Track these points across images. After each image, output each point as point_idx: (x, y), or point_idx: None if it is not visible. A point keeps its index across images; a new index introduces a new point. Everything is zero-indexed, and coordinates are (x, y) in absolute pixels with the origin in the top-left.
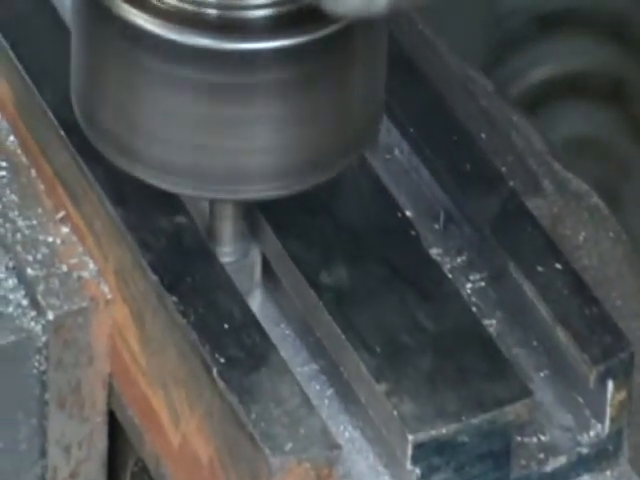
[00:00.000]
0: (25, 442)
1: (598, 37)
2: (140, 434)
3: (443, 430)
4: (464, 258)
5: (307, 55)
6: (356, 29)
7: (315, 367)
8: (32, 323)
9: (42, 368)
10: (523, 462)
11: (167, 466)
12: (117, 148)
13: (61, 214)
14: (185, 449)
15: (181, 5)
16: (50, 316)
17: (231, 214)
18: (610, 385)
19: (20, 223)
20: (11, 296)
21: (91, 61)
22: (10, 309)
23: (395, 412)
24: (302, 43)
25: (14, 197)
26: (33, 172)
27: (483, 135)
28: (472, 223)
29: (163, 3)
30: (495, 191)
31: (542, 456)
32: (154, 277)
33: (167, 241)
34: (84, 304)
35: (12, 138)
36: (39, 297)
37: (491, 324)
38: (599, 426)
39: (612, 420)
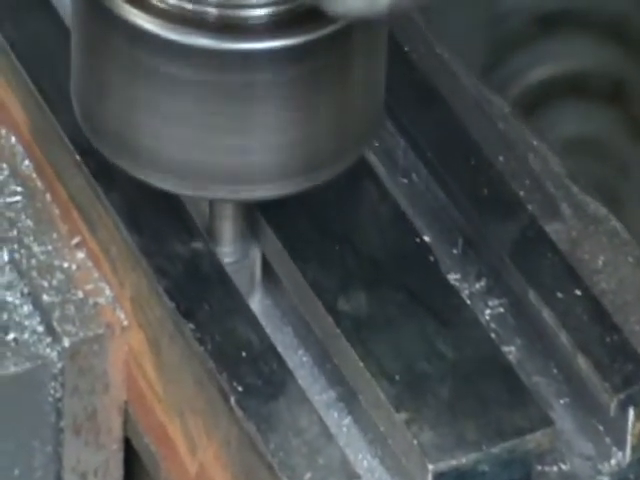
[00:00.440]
0: (41, 469)
1: (598, 37)
2: (156, 462)
3: (463, 459)
4: (483, 284)
5: (307, 55)
6: (356, 29)
7: (333, 395)
8: (48, 350)
9: (58, 395)
10: None
11: None
12: (117, 148)
13: (76, 239)
14: (202, 478)
15: (181, 5)
16: (66, 343)
17: (231, 214)
18: (631, 413)
19: (35, 249)
20: (26, 322)
21: (91, 61)
22: (25, 336)
23: (415, 441)
24: (302, 43)
25: (29, 222)
26: (48, 197)
27: (501, 158)
28: (491, 248)
29: (163, 3)
30: (514, 216)
31: None
32: (170, 304)
33: (183, 267)
34: (100, 331)
35: (27, 162)
36: (55, 323)
37: (510, 351)
38: (620, 454)
39: (633, 448)
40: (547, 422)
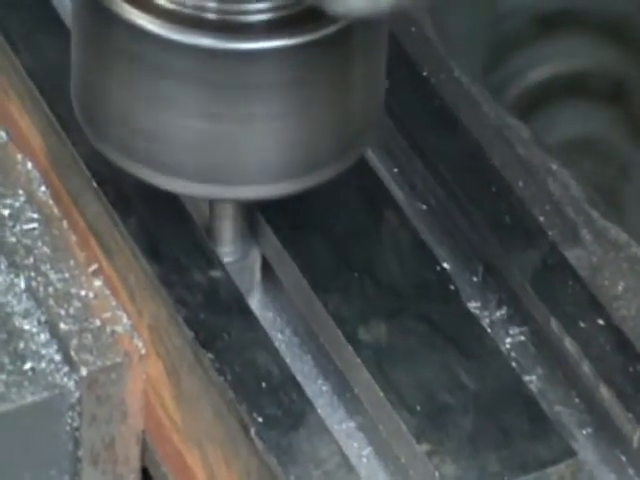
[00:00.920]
0: None
1: (598, 37)
2: None
3: None
4: (503, 312)
5: (307, 55)
6: (356, 29)
7: (353, 425)
8: (65, 379)
9: (75, 424)
10: None
11: None
12: (117, 148)
13: (94, 267)
14: None
15: (181, 5)
16: (83, 372)
17: (231, 214)
18: None
19: (52, 276)
20: (44, 351)
21: (91, 61)
22: (43, 365)
23: (437, 473)
24: (302, 43)
25: (46, 249)
26: (65, 224)
27: (520, 183)
28: (512, 276)
29: (163, 3)
30: (534, 243)
31: None
32: (190, 333)
33: (203, 296)
34: (118, 359)
35: (43, 189)
36: (72, 352)
37: (531, 380)
38: None
39: None
40: (570, 453)
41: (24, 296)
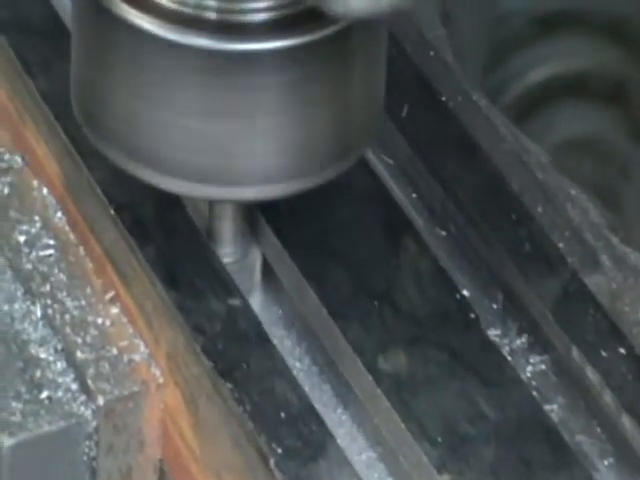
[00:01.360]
0: None
1: (598, 37)
2: None
3: None
4: (524, 340)
5: (307, 55)
6: (356, 30)
7: (373, 455)
8: (82, 408)
9: (92, 454)
10: None
11: None
12: (117, 148)
13: (110, 294)
14: None
15: (181, 6)
16: (100, 401)
17: (231, 214)
18: None
19: (69, 304)
20: (60, 380)
21: (91, 62)
22: (59, 393)
23: None
24: (302, 43)
25: (62, 276)
26: (81, 250)
27: (539, 209)
28: (532, 304)
29: (163, 3)
30: (555, 271)
31: None
32: (208, 362)
33: (221, 324)
34: (135, 388)
35: (59, 215)
36: (89, 381)
37: (552, 409)
38: None
39: None
40: None
41: (40, 324)
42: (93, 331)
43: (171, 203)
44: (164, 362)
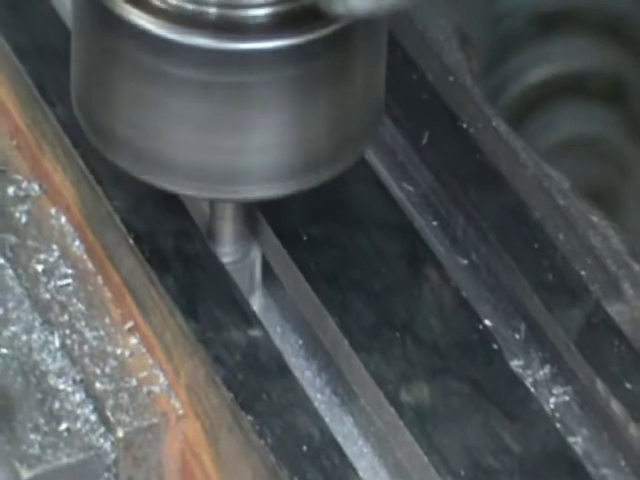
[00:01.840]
0: None
1: (598, 37)
2: None
3: None
4: (547, 370)
5: (307, 55)
6: (356, 29)
7: None
8: (101, 440)
9: None
10: None
11: None
12: (117, 148)
13: (129, 324)
14: None
15: (181, 5)
16: (120, 433)
17: (231, 214)
18: None
19: (87, 334)
20: (79, 411)
21: (91, 62)
22: (78, 425)
23: None
24: (302, 43)
25: (81, 306)
26: (100, 279)
27: (561, 236)
28: (555, 334)
29: (163, 3)
30: (578, 301)
31: None
32: (229, 394)
33: (241, 356)
34: (155, 420)
35: (78, 243)
36: (108, 413)
37: (577, 442)
38: None
39: None
40: None
41: (59, 354)
42: (112, 362)
43: (190, 233)
44: (184, 393)
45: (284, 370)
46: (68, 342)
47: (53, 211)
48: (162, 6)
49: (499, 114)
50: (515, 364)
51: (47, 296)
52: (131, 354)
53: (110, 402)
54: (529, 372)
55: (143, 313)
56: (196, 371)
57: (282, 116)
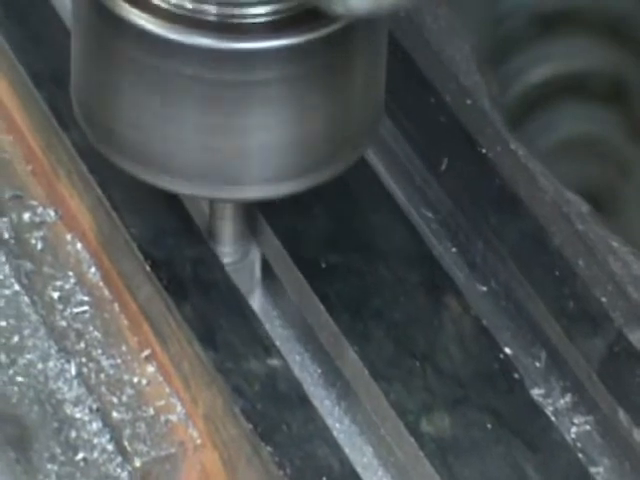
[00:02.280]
0: None
1: (598, 37)
2: None
3: None
4: (567, 399)
5: (307, 55)
6: (356, 29)
7: None
8: (118, 470)
9: None
10: None
11: None
12: (118, 149)
13: (146, 352)
14: None
15: (181, 5)
16: (137, 463)
17: (231, 214)
18: None
19: (104, 362)
20: (95, 440)
21: (91, 62)
22: (95, 454)
23: None
24: (302, 43)
25: (97, 334)
26: (116, 306)
27: (581, 262)
28: (576, 363)
29: (163, 3)
30: (599, 329)
31: None
32: (247, 424)
33: (260, 386)
34: (172, 450)
35: (94, 270)
36: (125, 442)
37: (598, 472)
38: None
39: None
40: None
41: (75, 383)
42: (129, 390)
43: (209, 260)
44: (202, 423)
45: (303, 400)
46: (84, 370)
47: (69, 237)
48: (162, 5)
49: (518, 138)
50: (536, 393)
51: (63, 323)
52: (148, 382)
53: (127, 431)
54: (550, 401)
55: (160, 341)
56: (214, 400)
57: (282, 116)
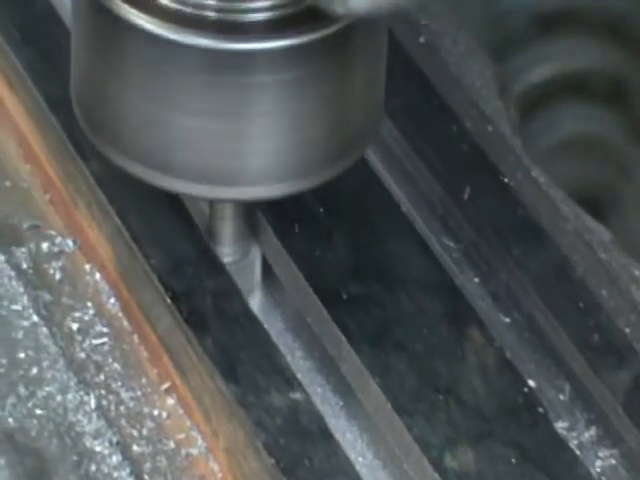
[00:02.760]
0: None
1: (598, 37)
2: None
3: None
4: (592, 432)
5: (307, 55)
6: (356, 30)
7: None
8: None
9: None
10: None
11: None
12: (118, 148)
13: (166, 385)
14: None
15: (181, 5)
16: None
17: (231, 214)
18: None
19: (123, 394)
20: (115, 474)
21: (91, 62)
22: None
23: None
24: (302, 43)
25: (116, 366)
26: (136, 338)
27: (604, 292)
28: (601, 396)
29: (163, 3)
30: (624, 362)
31: None
32: (269, 459)
33: (283, 420)
34: None
35: (113, 301)
36: (145, 476)
37: None
38: None
39: None
40: None
41: (95, 415)
42: (149, 423)
43: (229, 291)
44: (223, 456)
45: (325, 434)
46: (104, 403)
47: (88, 267)
48: (162, 6)
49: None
50: (560, 426)
51: (82, 355)
52: (168, 415)
53: (147, 465)
54: (574, 434)
55: (180, 373)
56: (235, 434)
57: (282, 116)
